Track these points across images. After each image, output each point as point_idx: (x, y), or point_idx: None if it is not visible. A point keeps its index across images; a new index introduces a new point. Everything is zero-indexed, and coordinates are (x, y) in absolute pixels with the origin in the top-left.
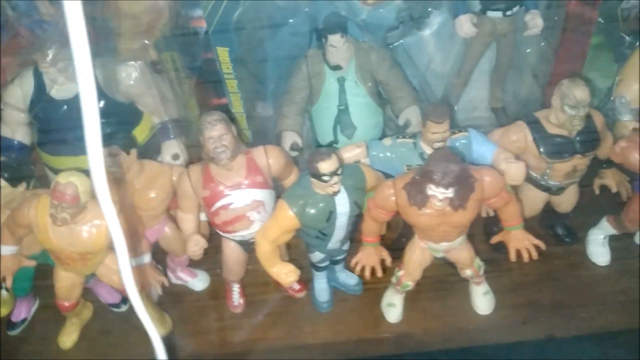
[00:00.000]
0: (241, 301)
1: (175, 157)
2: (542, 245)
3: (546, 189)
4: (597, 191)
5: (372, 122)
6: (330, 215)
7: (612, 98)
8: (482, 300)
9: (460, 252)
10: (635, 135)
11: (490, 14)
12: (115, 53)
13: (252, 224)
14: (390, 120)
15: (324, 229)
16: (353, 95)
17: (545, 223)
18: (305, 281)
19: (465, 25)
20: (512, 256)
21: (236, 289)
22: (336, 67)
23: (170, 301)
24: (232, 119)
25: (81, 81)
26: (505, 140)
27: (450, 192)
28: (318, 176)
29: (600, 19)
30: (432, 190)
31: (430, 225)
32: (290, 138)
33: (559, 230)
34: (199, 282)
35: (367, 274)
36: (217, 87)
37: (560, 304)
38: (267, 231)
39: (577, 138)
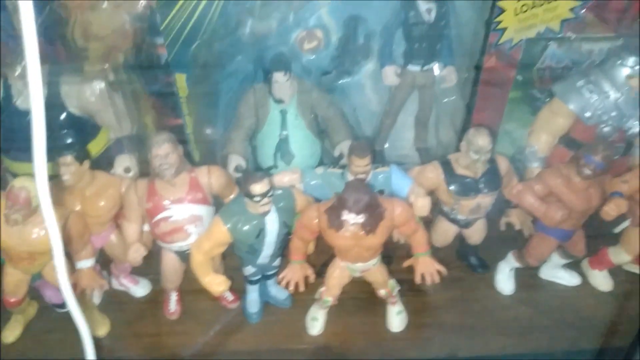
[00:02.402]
0: (177, 308)
1: (127, 170)
2: (444, 271)
3: (455, 222)
4: (502, 227)
5: (310, 152)
6: (260, 233)
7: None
8: (395, 319)
9: (374, 273)
10: (531, 179)
11: (410, 67)
12: (81, 72)
13: (189, 236)
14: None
15: (253, 245)
16: (293, 126)
17: (460, 254)
18: (239, 293)
19: (390, 75)
20: (417, 279)
21: (173, 296)
22: (279, 101)
23: (112, 305)
24: (184, 140)
25: (32, 96)
26: (422, 177)
27: (360, 218)
28: (250, 196)
29: (519, 77)
30: (345, 215)
31: (345, 246)
32: (235, 160)
33: (472, 260)
34: (140, 288)
35: (292, 288)
36: (175, 109)
37: (464, 327)
38: (202, 243)
39: (482, 179)
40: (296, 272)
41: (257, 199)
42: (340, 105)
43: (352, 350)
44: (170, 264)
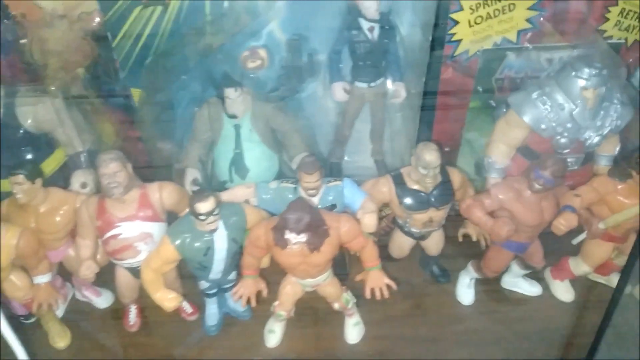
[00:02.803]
0: (137, 320)
1: (83, 185)
2: (394, 285)
3: (410, 234)
4: (460, 239)
5: (266, 166)
6: (208, 250)
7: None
8: (352, 331)
9: (326, 287)
10: (482, 194)
11: (357, 84)
12: (37, 89)
13: (139, 254)
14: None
15: (202, 262)
16: (248, 141)
17: (422, 264)
18: (199, 305)
19: (338, 92)
20: (367, 294)
21: (133, 309)
22: (232, 116)
23: (75, 316)
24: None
25: None
26: (375, 191)
27: (302, 237)
28: (196, 215)
29: (478, 87)
30: (288, 234)
31: (291, 264)
32: (191, 174)
33: (434, 270)
34: (102, 300)
35: (244, 303)
36: (134, 122)
37: (421, 338)
38: (150, 261)
39: (433, 193)
40: (248, 287)
41: (203, 217)
42: (297, 117)
43: None
44: (123, 280)
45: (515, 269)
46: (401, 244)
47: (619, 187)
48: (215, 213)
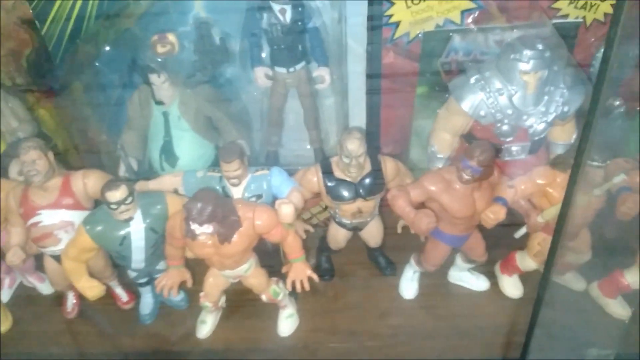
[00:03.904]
0: (74, 308)
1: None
2: (315, 277)
3: (342, 225)
4: (399, 230)
5: (197, 154)
6: (123, 240)
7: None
8: (284, 323)
9: (249, 279)
10: (410, 184)
11: (277, 69)
12: None
13: (60, 242)
14: None
15: (120, 251)
16: (177, 128)
17: (369, 256)
18: (138, 295)
19: (260, 77)
20: (288, 286)
21: (70, 296)
22: (160, 102)
23: (21, 301)
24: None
25: None
26: (304, 180)
27: (207, 228)
28: (107, 204)
29: (423, 71)
30: (192, 225)
31: (204, 254)
32: (125, 162)
33: (380, 262)
34: (46, 286)
35: (165, 292)
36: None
37: (352, 331)
38: (68, 250)
39: (362, 183)
40: (172, 277)
41: (114, 207)
42: (231, 103)
43: (233, 353)
44: (51, 267)
45: (460, 262)
46: (336, 235)
47: (559, 178)
48: (127, 202)
